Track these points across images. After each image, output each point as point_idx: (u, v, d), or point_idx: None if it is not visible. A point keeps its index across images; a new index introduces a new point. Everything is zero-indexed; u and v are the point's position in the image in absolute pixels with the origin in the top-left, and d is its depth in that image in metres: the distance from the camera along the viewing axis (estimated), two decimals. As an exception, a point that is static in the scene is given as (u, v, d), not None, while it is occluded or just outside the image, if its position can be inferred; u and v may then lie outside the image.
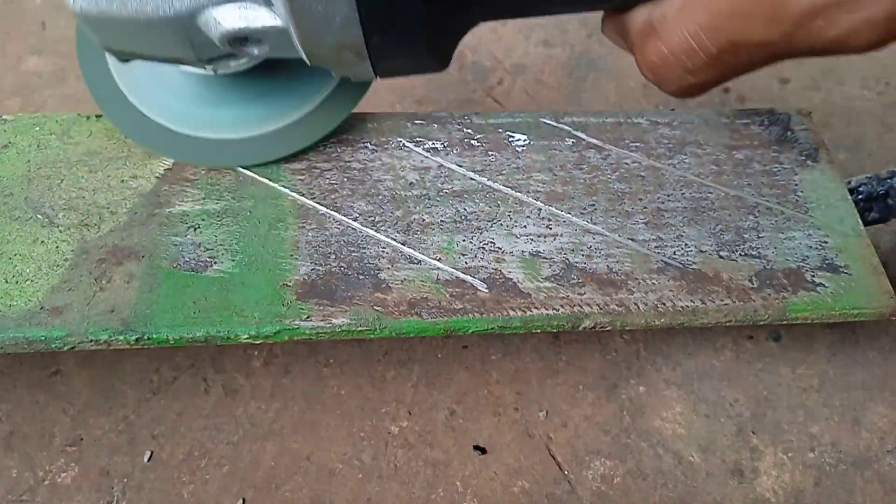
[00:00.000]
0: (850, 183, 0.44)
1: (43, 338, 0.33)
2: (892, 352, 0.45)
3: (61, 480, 0.38)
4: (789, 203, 0.41)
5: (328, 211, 0.38)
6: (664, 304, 0.36)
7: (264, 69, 0.37)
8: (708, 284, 0.37)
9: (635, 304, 0.36)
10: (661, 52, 0.28)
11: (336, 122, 0.39)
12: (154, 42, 0.31)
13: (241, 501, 0.38)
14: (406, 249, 0.37)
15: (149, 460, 0.39)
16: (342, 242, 0.37)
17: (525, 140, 0.42)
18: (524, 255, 0.38)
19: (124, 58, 0.33)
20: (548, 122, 0.43)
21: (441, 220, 0.38)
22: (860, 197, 0.43)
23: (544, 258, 0.37)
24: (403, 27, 0.28)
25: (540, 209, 0.39)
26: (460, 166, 0.40)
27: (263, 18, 0.29)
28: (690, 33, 0.27)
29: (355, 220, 0.38)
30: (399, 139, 0.41)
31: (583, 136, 0.42)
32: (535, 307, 0.36)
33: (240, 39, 0.30)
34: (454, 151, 0.41)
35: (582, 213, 0.39)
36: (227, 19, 0.29)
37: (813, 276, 0.38)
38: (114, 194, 0.38)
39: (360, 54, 0.29)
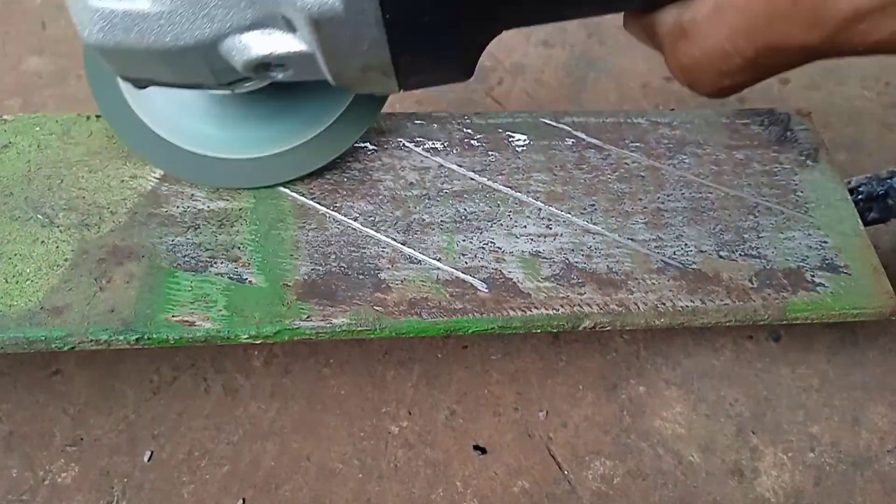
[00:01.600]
0: (850, 183, 0.44)
1: (43, 338, 0.33)
2: (892, 352, 0.45)
3: (61, 480, 0.38)
4: (789, 203, 0.41)
5: (328, 211, 0.38)
6: (664, 304, 0.36)
7: (280, 87, 0.36)
8: (708, 284, 0.37)
9: (635, 304, 0.36)
10: (693, 56, 0.27)
11: (355, 138, 0.39)
12: (172, 70, 0.30)
13: (241, 501, 0.38)
14: (406, 249, 0.37)
15: (149, 460, 0.39)
16: (342, 242, 0.37)
17: (525, 140, 0.42)
18: (524, 255, 0.38)
19: (140, 85, 0.33)
20: (548, 122, 0.43)
21: (441, 220, 0.38)
22: (860, 197, 0.43)
23: (544, 258, 0.37)
24: (431, 44, 0.28)
25: (540, 209, 0.39)
26: (460, 166, 0.40)
27: (288, 44, 0.28)
28: (725, 36, 0.26)
29: (355, 220, 0.38)
30: (399, 139, 0.41)
31: (583, 136, 0.42)
32: (535, 307, 0.36)
33: (262, 65, 0.29)
34: (454, 151, 0.41)
35: (582, 213, 0.39)
36: (251, 46, 0.28)
37: (813, 276, 0.38)
38: (114, 194, 0.38)
39: (387, 73, 0.29)
